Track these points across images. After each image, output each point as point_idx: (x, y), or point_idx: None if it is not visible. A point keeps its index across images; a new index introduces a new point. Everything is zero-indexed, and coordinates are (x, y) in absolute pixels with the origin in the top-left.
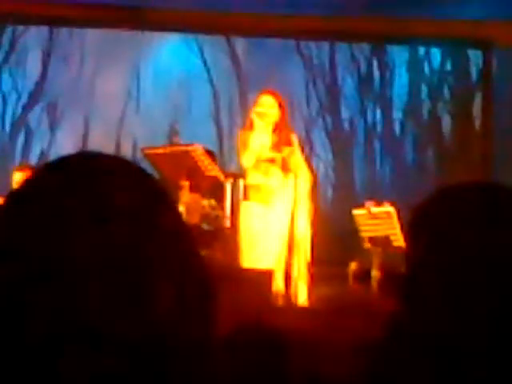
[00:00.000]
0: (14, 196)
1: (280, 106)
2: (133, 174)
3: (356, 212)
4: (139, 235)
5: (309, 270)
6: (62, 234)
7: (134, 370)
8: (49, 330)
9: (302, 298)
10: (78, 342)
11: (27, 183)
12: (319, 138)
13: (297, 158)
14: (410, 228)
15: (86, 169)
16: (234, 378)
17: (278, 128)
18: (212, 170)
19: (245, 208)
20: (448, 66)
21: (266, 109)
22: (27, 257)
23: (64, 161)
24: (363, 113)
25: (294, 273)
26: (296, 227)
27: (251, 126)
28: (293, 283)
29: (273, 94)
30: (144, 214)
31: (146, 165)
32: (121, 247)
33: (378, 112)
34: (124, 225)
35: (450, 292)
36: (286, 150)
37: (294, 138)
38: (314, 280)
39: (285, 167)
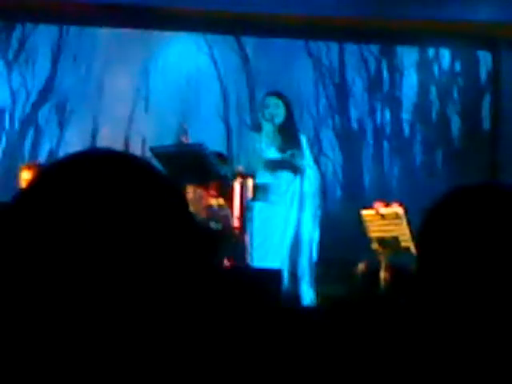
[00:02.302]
0: (23, 195)
1: (287, 106)
2: (143, 171)
3: (364, 212)
4: (151, 231)
5: (316, 270)
6: (72, 232)
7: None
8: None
9: (309, 298)
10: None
11: (36, 182)
12: (328, 138)
13: (304, 158)
14: (422, 230)
15: (96, 166)
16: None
17: (284, 128)
18: (220, 169)
19: (253, 208)
20: (457, 67)
21: (272, 110)
22: (35, 256)
23: (73, 158)
24: (372, 113)
25: (302, 273)
26: (303, 227)
27: (259, 127)
28: (300, 283)
29: (279, 94)
30: (156, 211)
31: (154, 164)
32: (132, 243)
33: (387, 112)
34: (135, 221)
35: (462, 295)
36: (294, 150)
37: (302, 138)
38: (321, 280)
39: (292, 167)
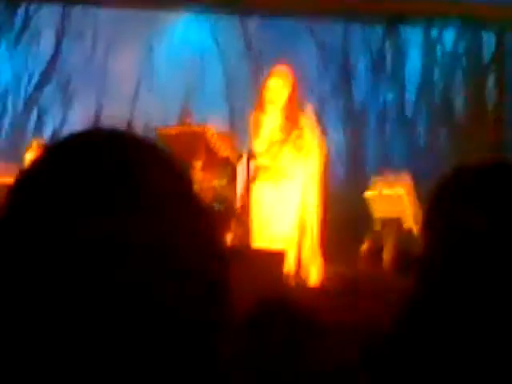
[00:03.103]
0: (26, 175)
1: (290, 86)
2: (148, 149)
3: (367, 194)
4: (156, 210)
5: (319, 250)
6: (76, 210)
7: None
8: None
9: (313, 278)
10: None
11: (40, 160)
12: (331, 119)
13: (307, 139)
14: (426, 211)
15: (100, 144)
16: (258, 356)
17: (288, 109)
18: (224, 150)
19: (256, 189)
20: (461, 48)
21: (275, 91)
22: (36, 237)
23: (77, 137)
24: (376, 94)
25: (305, 253)
26: (306, 208)
27: (262, 108)
28: (304, 264)
29: (282, 75)
30: (161, 189)
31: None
32: (141, 222)
33: (391, 93)
34: (141, 200)
35: (466, 274)
36: (297, 131)
37: (306, 118)
38: (325, 260)
39: (296, 148)
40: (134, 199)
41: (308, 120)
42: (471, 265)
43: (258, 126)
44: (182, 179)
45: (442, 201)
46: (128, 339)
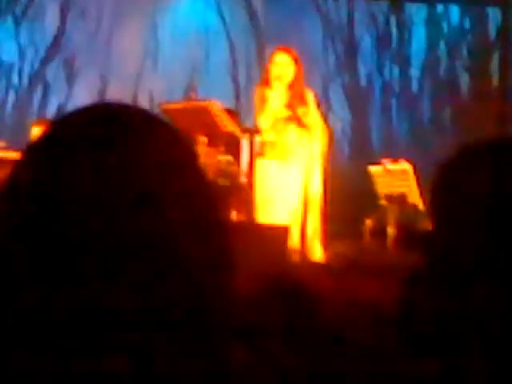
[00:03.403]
0: (32, 149)
1: (296, 62)
2: (154, 123)
3: (372, 169)
4: (162, 183)
5: (323, 226)
6: (81, 185)
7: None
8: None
9: (317, 254)
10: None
11: (46, 135)
12: (336, 95)
13: (312, 115)
14: (432, 188)
15: (106, 118)
16: (262, 330)
17: (293, 85)
18: (229, 125)
19: (260, 164)
20: (466, 24)
21: (282, 67)
22: (44, 210)
23: (83, 112)
24: (380, 70)
25: (309, 229)
26: (311, 184)
27: (267, 83)
28: (308, 240)
29: (288, 51)
30: (167, 163)
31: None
32: (142, 196)
33: (396, 69)
34: (146, 173)
35: (472, 250)
36: (302, 107)
37: (310, 95)
38: (329, 237)
39: (300, 124)
40: (141, 170)
41: (313, 97)
42: (480, 239)
43: (263, 101)
44: (188, 151)
45: (448, 177)
46: (142, 297)
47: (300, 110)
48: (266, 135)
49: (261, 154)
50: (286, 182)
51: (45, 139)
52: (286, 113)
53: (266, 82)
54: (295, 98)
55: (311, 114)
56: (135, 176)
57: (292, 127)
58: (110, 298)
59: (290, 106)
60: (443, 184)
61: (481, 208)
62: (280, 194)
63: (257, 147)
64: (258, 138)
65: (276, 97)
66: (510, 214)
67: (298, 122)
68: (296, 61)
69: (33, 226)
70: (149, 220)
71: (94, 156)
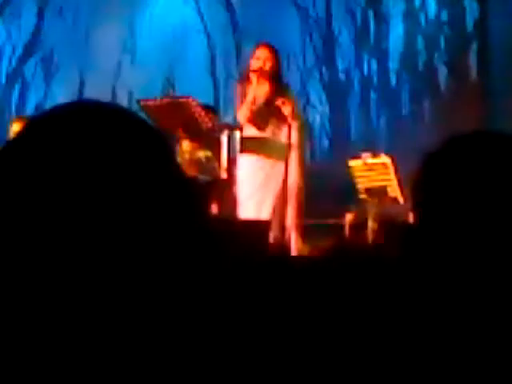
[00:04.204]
0: (9, 148)
1: (275, 58)
2: (131, 121)
3: (352, 163)
4: (139, 182)
5: (301, 219)
6: (59, 182)
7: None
8: None
9: (297, 248)
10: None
11: (24, 131)
12: (315, 90)
13: (291, 110)
14: (420, 178)
15: (83, 116)
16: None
17: (273, 80)
18: (208, 121)
19: (241, 160)
20: (444, 17)
21: (262, 62)
22: (22, 207)
23: (61, 109)
24: (359, 64)
25: (289, 223)
26: (291, 178)
27: (247, 79)
28: (288, 234)
29: (268, 46)
30: (142, 161)
31: (142, 116)
32: (118, 194)
33: (374, 63)
34: (123, 172)
35: (459, 243)
36: (280, 102)
37: (289, 90)
38: (309, 231)
39: (280, 118)
40: (117, 171)
41: (291, 91)
42: (467, 232)
43: (242, 96)
44: (165, 150)
45: (437, 168)
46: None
47: (280, 104)
48: (246, 130)
49: (241, 149)
50: (266, 176)
51: (23, 137)
52: (266, 107)
53: (245, 77)
54: (275, 93)
55: (291, 107)
56: (111, 173)
57: (272, 121)
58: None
59: (270, 100)
60: (430, 175)
61: (470, 199)
62: (260, 189)
63: (236, 143)
64: (237, 134)
65: (256, 91)
66: (499, 204)
67: (278, 115)
68: (276, 55)
69: (14, 220)
70: (125, 222)
71: (72, 153)
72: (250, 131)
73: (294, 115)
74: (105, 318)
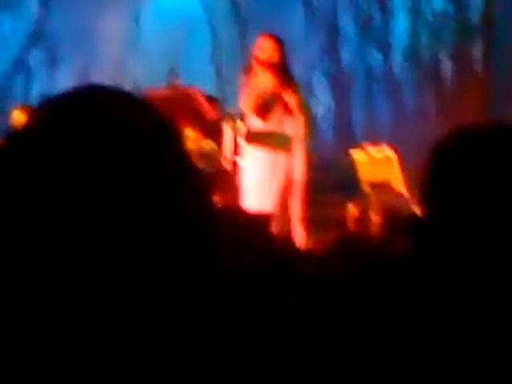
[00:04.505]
0: (16, 136)
1: (280, 49)
2: (139, 106)
3: (356, 156)
4: (150, 168)
5: (306, 211)
6: (68, 170)
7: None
8: None
9: (300, 240)
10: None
11: (30, 122)
12: (319, 82)
13: (296, 101)
14: (431, 172)
15: (92, 101)
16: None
17: (277, 72)
18: (212, 112)
19: (245, 151)
20: (449, 10)
21: (266, 53)
22: (27, 198)
23: (68, 95)
24: (363, 56)
25: (294, 215)
26: (295, 169)
27: (251, 70)
28: (292, 225)
29: (273, 37)
30: (153, 147)
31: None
32: (130, 180)
33: (379, 56)
34: (135, 158)
35: (473, 237)
36: (286, 94)
37: (294, 81)
38: (312, 223)
39: (286, 109)
40: (126, 156)
41: (296, 83)
42: (480, 224)
43: (247, 87)
44: (173, 136)
45: (447, 160)
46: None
47: (284, 96)
48: (250, 121)
49: (246, 140)
50: (271, 167)
51: (28, 125)
52: (271, 98)
53: (249, 68)
54: (280, 84)
55: (295, 99)
56: (120, 157)
57: (278, 113)
58: None
59: (275, 91)
60: (443, 170)
61: (483, 193)
62: (265, 181)
63: (240, 133)
64: (241, 125)
65: (259, 82)
66: (509, 198)
67: (284, 107)
68: (281, 46)
69: (20, 213)
70: (135, 211)
71: (79, 139)
72: (256, 123)
73: (301, 108)
74: (105, 317)
